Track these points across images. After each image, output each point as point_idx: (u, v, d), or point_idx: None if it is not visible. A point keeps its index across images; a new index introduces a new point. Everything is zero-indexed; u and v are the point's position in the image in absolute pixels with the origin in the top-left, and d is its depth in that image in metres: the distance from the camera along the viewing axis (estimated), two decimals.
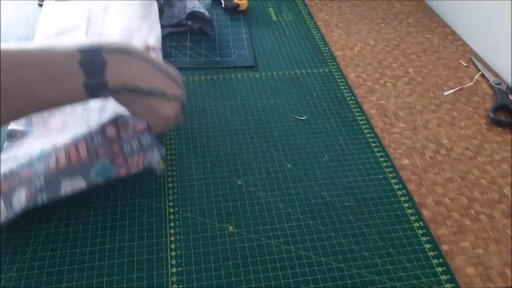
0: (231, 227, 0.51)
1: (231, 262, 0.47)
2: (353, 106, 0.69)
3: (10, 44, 0.38)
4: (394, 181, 0.57)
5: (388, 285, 0.46)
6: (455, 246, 0.51)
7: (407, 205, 0.54)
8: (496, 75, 0.77)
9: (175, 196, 0.54)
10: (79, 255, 0.47)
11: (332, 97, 0.70)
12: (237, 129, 0.63)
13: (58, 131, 0.57)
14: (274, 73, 0.74)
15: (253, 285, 0.45)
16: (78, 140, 0.48)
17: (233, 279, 0.46)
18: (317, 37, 0.84)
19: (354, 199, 0.55)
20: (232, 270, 0.47)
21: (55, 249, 0.47)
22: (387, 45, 0.84)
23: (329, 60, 0.78)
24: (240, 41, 0.81)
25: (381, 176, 0.58)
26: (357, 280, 0.46)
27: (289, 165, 0.58)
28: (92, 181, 0.47)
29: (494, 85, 0.73)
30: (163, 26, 0.80)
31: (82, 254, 0.47)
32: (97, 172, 0.47)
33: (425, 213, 0.54)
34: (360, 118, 0.66)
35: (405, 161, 0.60)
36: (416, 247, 0.50)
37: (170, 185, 0.55)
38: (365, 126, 0.65)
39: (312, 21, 0.89)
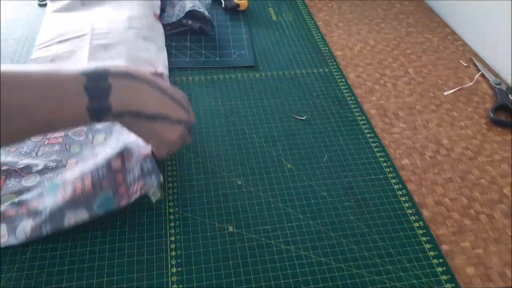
0: (231, 227, 0.51)
1: (231, 262, 0.47)
2: (353, 106, 0.69)
3: (15, 66, 0.38)
4: (394, 181, 0.57)
5: (388, 285, 0.46)
6: (455, 246, 0.51)
7: (407, 205, 0.54)
8: (496, 75, 0.77)
9: (175, 196, 0.54)
10: (79, 255, 0.47)
11: (332, 97, 0.70)
12: (237, 129, 0.63)
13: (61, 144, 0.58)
14: (274, 73, 0.74)
15: (253, 285, 0.45)
16: (85, 174, 0.50)
17: (233, 279, 0.46)
18: (317, 37, 0.84)
19: (354, 199, 0.55)
20: (232, 270, 0.47)
21: (55, 249, 0.47)
22: (387, 45, 0.84)
23: (329, 60, 0.78)
24: (240, 41, 0.81)
25: (381, 176, 0.58)
26: (357, 280, 0.46)
27: (289, 165, 0.58)
28: (94, 213, 0.48)
29: (494, 85, 0.73)
30: (163, 26, 0.81)
31: (82, 254, 0.47)
32: (100, 204, 0.48)
33: (425, 213, 0.54)
34: (360, 118, 0.66)
35: (405, 161, 0.60)
36: (416, 247, 0.50)
37: (170, 185, 0.55)
38: (365, 126, 0.65)
39: (312, 21, 0.89)
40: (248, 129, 0.63)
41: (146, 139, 0.45)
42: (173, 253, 0.48)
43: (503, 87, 0.73)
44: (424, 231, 0.51)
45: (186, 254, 0.48)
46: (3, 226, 0.48)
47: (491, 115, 0.67)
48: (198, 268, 0.47)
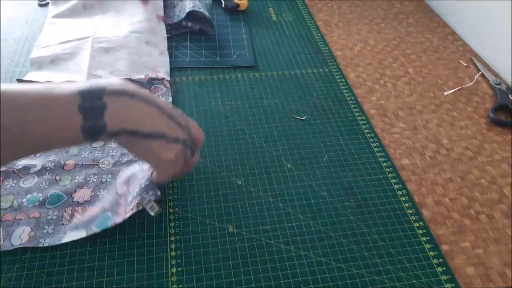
0: (231, 227, 0.51)
1: (231, 262, 0.47)
2: (353, 106, 0.69)
3: (9, 85, 0.37)
4: (394, 181, 0.57)
5: (388, 285, 0.46)
6: (455, 246, 0.51)
7: (407, 205, 0.54)
8: (496, 75, 0.77)
9: (175, 196, 0.54)
10: (79, 255, 0.47)
11: (332, 97, 0.70)
12: (237, 129, 0.63)
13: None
14: (274, 73, 0.74)
15: (253, 285, 0.45)
16: (97, 201, 0.51)
17: (233, 279, 0.46)
18: (317, 37, 0.84)
19: (354, 199, 0.55)
20: (232, 270, 0.47)
21: (55, 249, 0.47)
22: (387, 45, 0.84)
23: (329, 60, 0.78)
24: (240, 41, 0.81)
25: (381, 176, 0.58)
26: (357, 280, 0.46)
27: (289, 165, 0.58)
28: (91, 231, 0.48)
29: (494, 85, 0.73)
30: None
31: (82, 254, 0.47)
32: (98, 224, 0.48)
33: (425, 213, 0.54)
34: (360, 118, 0.66)
35: (405, 161, 0.60)
36: (416, 247, 0.50)
37: (170, 185, 0.55)
38: (365, 126, 0.65)
39: (312, 21, 0.89)
40: (248, 129, 0.63)
41: (143, 157, 0.45)
42: (173, 253, 0.48)
43: (503, 87, 0.73)
44: (424, 231, 0.51)
45: (186, 254, 0.48)
46: (0, 230, 0.48)
47: (491, 115, 0.67)
48: (198, 268, 0.47)
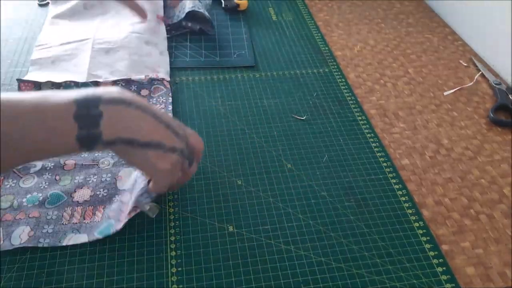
0: (231, 227, 0.51)
1: (231, 262, 0.47)
2: (353, 106, 0.69)
3: (5, 94, 0.37)
4: (394, 181, 0.57)
5: (388, 285, 0.46)
6: (455, 246, 0.51)
7: (407, 205, 0.54)
8: (496, 75, 0.77)
9: (175, 196, 0.53)
10: (79, 255, 0.47)
11: (332, 97, 0.70)
12: (237, 129, 0.63)
13: None
14: (274, 73, 0.74)
15: (253, 285, 0.45)
16: (98, 204, 0.51)
17: (233, 279, 0.46)
18: (317, 37, 0.84)
19: (354, 199, 0.55)
20: (232, 270, 0.47)
21: (55, 249, 0.47)
22: (387, 45, 0.84)
23: (329, 60, 0.78)
24: (240, 41, 0.81)
25: (381, 176, 0.58)
26: (357, 280, 0.46)
27: (289, 165, 0.58)
28: (93, 238, 0.48)
29: (494, 85, 0.73)
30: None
31: (82, 254, 0.47)
32: (101, 231, 0.48)
33: (425, 213, 0.54)
34: (360, 118, 0.66)
35: (405, 161, 0.60)
36: (416, 247, 0.50)
37: None
38: (365, 126, 0.65)
39: (312, 21, 0.89)
40: (248, 129, 0.63)
41: (139, 166, 0.44)
42: (173, 253, 0.48)
43: (503, 87, 0.73)
44: (424, 231, 0.51)
45: (186, 254, 0.48)
46: (0, 230, 0.48)
47: (491, 115, 0.67)
48: (198, 268, 0.47)
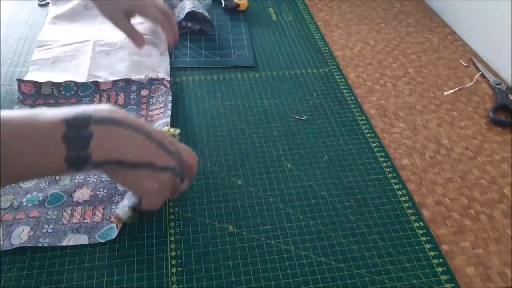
0: (231, 227, 0.51)
1: (231, 262, 0.47)
2: (353, 106, 0.69)
3: None
4: (394, 181, 0.57)
5: (388, 285, 0.46)
6: (455, 246, 0.51)
7: (407, 205, 0.54)
8: (496, 75, 0.77)
9: (175, 196, 0.53)
10: (79, 255, 0.47)
11: (332, 97, 0.70)
12: (237, 129, 0.63)
13: None
14: (274, 73, 0.74)
15: (253, 285, 0.45)
16: (98, 204, 0.51)
17: (233, 279, 0.46)
18: (317, 37, 0.84)
19: (354, 199, 0.55)
20: (232, 270, 0.47)
21: (55, 249, 0.47)
22: (387, 45, 0.84)
23: (329, 60, 0.78)
24: (240, 41, 0.81)
25: (381, 176, 0.58)
26: (357, 280, 0.46)
27: (289, 165, 0.58)
28: (94, 241, 0.48)
29: (494, 85, 0.73)
30: None
31: (82, 254, 0.47)
32: (101, 234, 0.48)
33: (425, 213, 0.54)
34: (360, 118, 0.66)
35: (405, 161, 0.60)
36: (416, 247, 0.50)
37: None
38: (365, 126, 0.65)
39: (312, 21, 0.89)
40: (248, 129, 0.63)
41: (129, 186, 0.44)
42: (173, 253, 0.48)
43: (503, 87, 0.73)
44: (424, 231, 0.51)
45: (186, 254, 0.48)
46: (0, 230, 0.48)
47: (491, 115, 0.67)
48: (198, 268, 0.47)
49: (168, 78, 0.68)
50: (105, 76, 0.67)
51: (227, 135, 0.62)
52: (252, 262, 0.47)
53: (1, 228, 0.48)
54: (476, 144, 0.64)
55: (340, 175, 0.57)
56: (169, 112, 0.62)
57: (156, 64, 0.71)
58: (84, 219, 0.49)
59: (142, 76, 0.67)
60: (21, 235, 0.47)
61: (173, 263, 0.47)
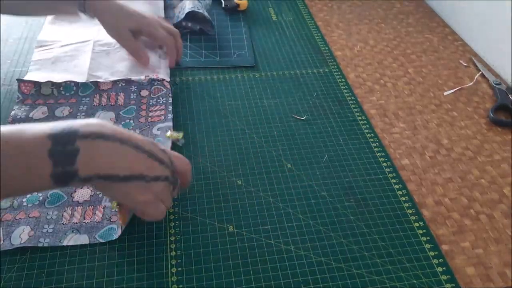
0: (231, 227, 0.51)
1: (231, 262, 0.47)
2: (353, 106, 0.69)
3: None
4: (394, 181, 0.57)
5: (388, 285, 0.46)
6: (455, 246, 0.51)
7: (407, 205, 0.54)
8: (496, 75, 0.77)
9: (178, 194, 0.53)
10: (79, 255, 0.47)
11: (332, 97, 0.70)
12: (237, 129, 0.63)
13: None
14: (274, 73, 0.74)
15: (253, 285, 0.45)
16: (98, 203, 0.51)
17: (233, 279, 0.46)
18: (317, 37, 0.84)
19: (354, 199, 0.55)
20: (232, 270, 0.47)
21: (55, 249, 0.47)
22: (387, 45, 0.84)
23: (329, 60, 0.78)
24: (240, 41, 0.81)
25: (381, 176, 0.58)
26: (357, 280, 0.46)
27: (289, 165, 0.58)
28: (94, 241, 0.48)
29: (494, 85, 0.73)
30: None
31: (82, 254, 0.47)
32: (102, 234, 0.48)
33: (425, 213, 0.54)
34: (360, 118, 0.66)
35: (405, 161, 0.60)
36: (416, 247, 0.50)
37: None
38: (365, 126, 0.65)
39: (312, 21, 0.89)
40: (248, 129, 0.63)
41: (119, 200, 0.44)
42: (173, 253, 0.48)
43: (503, 87, 0.73)
44: (424, 231, 0.51)
45: (186, 254, 0.48)
46: (0, 230, 0.48)
47: (491, 115, 0.67)
48: (198, 268, 0.47)
49: (168, 79, 0.68)
50: (105, 76, 0.67)
51: (227, 135, 0.62)
52: (252, 262, 0.47)
53: (1, 228, 0.48)
54: (476, 144, 0.64)
55: (340, 175, 0.57)
56: (170, 116, 0.62)
57: (156, 64, 0.71)
58: (84, 219, 0.49)
59: (142, 77, 0.67)
60: (21, 235, 0.47)
61: (173, 263, 0.47)
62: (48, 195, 0.51)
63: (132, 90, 0.65)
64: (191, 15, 0.80)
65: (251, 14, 0.90)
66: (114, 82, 0.66)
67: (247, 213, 0.52)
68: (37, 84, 0.64)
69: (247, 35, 0.83)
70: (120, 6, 0.66)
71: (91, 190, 0.52)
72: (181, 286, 0.45)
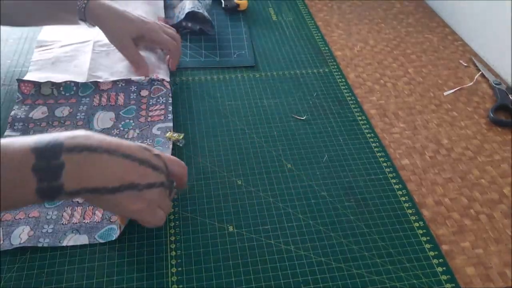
0: (231, 227, 0.51)
1: (231, 262, 0.47)
2: (353, 106, 0.69)
3: None
4: (394, 181, 0.57)
5: (388, 285, 0.46)
6: (455, 246, 0.51)
7: (407, 205, 0.54)
8: (496, 75, 0.77)
9: (175, 196, 0.53)
10: (79, 255, 0.47)
11: (332, 97, 0.70)
12: (237, 129, 0.63)
13: None
14: (274, 73, 0.74)
15: (253, 285, 0.45)
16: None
17: (233, 279, 0.46)
18: (317, 37, 0.84)
19: (354, 199, 0.55)
20: (232, 270, 0.47)
21: (55, 249, 0.47)
22: (387, 45, 0.84)
23: (329, 60, 0.78)
24: (240, 41, 0.81)
25: (381, 176, 0.58)
26: (357, 280, 0.46)
27: (289, 165, 0.58)
28: (94, 241, 0.48)
29: (494, 85, 0.73)
30: None
31: (82, 254, 0.47)
32: (101, 234, 0.48)
33: (425, 213, 0.54)
34: (360, 118, 0.66)
35: (405, 161, 0.60)
36: (416, 247, 0.50)
37: None
38: (365, 126, 0.65)
39: (312, 21, 0.89)
40: (248, 129, 0.63)
41: (111, 212, 0.43)
42: (173, 253, 0.48)
43: (503, 87, 0.73)
44: (424, 231, 0.51)
45: (186, 254, 0.48)
46: (0, 230, 0.48)
47: (491, 115, 0.67)
48: (198, 268, 0.47)
49: (168, 79, 0.68)
50: (105, 76, 0.67)
51: (227, 135, 0.62)
52: (252, 262, 0.47)
53: (1, 228, 0.48)
54: (476, 144, 0.64)
55: (340, 175, 0.57)
56: (170, 116, 0.62)
57: (156, 64, 0.71)
58: (84, 219, 0.49)
59: (142, 77, 0.67)
60: (21, 235, 0.47)
61: (173, 263, 0.47)
62: None
63: (132, 90, 0.65)
64: (191, 15, 0.80)
65: (251, 14, 0.90)
66: (114, 82, 0.66)
67: (247, 213, 0.52)
68: (37, 84, 0.64)
69: (247, 35, 0.83)
70: (121, 14, 0.64)
71: None
72: (181, 286, 0.45)
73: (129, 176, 0.40)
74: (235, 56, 0.78)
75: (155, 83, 0.66)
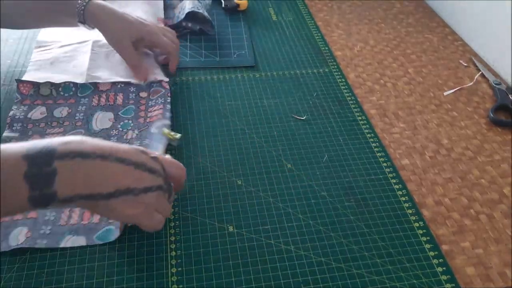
0: (231, 227, 0.51)
1: (231, 262, 0.47)
2: (353, 106, 0.69)
3: None
4: (394, 181, 0.57)
5: (388, 285, 0.46)
6: (455, 246, 0.51)
7: (407, 205, 0.54)
8: (496, 75, 0.77)
9: (175, 196, 0.53)
10: (79, 256, 0.47)
11: (332, 97, 0.70)
12: (237, 129, 0.63)
13: None
14: (274, 73, 0.74)
15: (253, 285, 0.45)
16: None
17: (233, 279, 0.46)
18: (317, 37, 0.84)
19: (354, 199, 0.55)
20: (232, 270, 0.47)
21: (55, 249, 0.47)
22: (387, 45, 0.84)
23: (329, 60, 0.78)
24: (240, 41, 0.81)
25: (381, 176, 0.58)
26: (357, 280, 0.46)
27: (289, 165, 0.58)
28: (92, 242, 0.48)
29: (494, 85, 0.73)
30: None
31: (82, 255, 0.47)
32: (99, 236, 0.48)
33: (425, 213, 0.54)
34: (360, 118, 0.66)
35: (405, 161, 0.60)
36: (416, 247, 0.50)
37: None
38: (365, 126, 0.65)
39: (312, 21, 0.89)
40: (248, 129, 0.63)
41: (107, 217, 0.43)
42: (173, 253, 0.48)
43: (503, 87, 0.73)
44: (424, 231, 0.51)
45: (186, 254, 0.48)
46: None
47: (491, 115, 0.67)
48: (198, 268, 0.47)
49: (167, 80, 0.67)
50: (104, 76, 0.67)
51: (227, 135, 0.62)
52: (252, 262, 0.47)
53: None
54: (476, 144, 0.64)
55: (340, 175, 0.57)
56: (168, 114, 0.62)
57: (155, 65, 0.71)
58: (82, 220, 0.49)
59: (142, 81, 0.66)
60: (19, 236, 0.47)
61: (173, 263, 0.47)
62: None
63: (131, 90, 0.65)
64: (191, 15, 0.80)
65: (251, 14, 0.90)
66: (113, 83, 0.66)
67: (247, 213, 0.52)
68: (36, 85, 0.64)
69: (247, 35, 0.83)
70: (120, 16, 0.64)
71: None
72: (181, 286, 0.45)
73: (124, 180, 0.39)
74: (235, 56, 0.78)
75: (154, 85, 0.66)
